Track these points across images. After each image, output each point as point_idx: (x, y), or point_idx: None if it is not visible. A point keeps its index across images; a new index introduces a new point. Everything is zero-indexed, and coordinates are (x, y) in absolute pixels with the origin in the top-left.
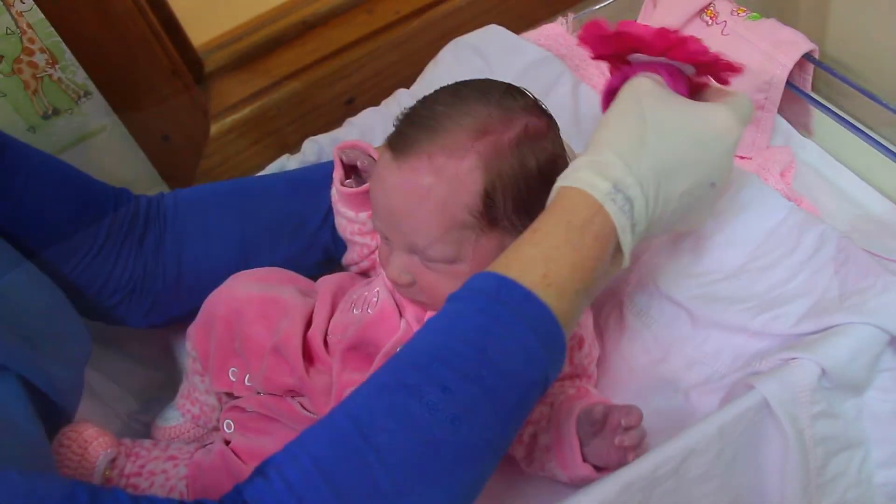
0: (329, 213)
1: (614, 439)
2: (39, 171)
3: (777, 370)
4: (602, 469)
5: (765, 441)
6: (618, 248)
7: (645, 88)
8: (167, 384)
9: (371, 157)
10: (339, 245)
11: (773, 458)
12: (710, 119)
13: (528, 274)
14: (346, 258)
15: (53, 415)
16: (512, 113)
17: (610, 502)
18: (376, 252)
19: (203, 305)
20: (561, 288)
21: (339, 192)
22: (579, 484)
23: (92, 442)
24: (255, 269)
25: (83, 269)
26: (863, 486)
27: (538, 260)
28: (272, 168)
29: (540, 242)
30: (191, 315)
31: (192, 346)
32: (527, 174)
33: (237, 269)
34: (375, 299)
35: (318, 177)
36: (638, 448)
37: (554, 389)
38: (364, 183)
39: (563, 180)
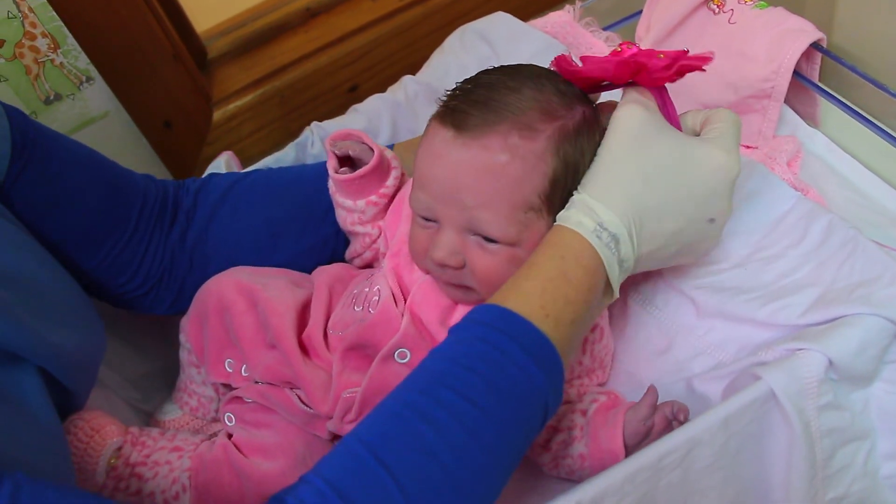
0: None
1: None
2: (74, 156)
3: (783, 361)
4: None
5: (771, 432)
6: (608, 282)
7: (636, 122)
8: (165, 372)
9: (364, 144)
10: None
11: (778, 449)
12: (705, 161)
13: (526, 305)
14: (350, 251)
15: (66, 404)
16: (570, 99)
17: (614, 492)
18: (378, 241)
19: (195, 297)
20: (557, 318)
21: (335, 181)
22: None
23: (100, 430)
24: (248, 267)
25: (115, 257)
26: (869, 479)
27: (535, 292)
28: (275, 157)
29: (536, 276)
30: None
31: (185, 338)
32: (583, 163)
33: (263, 256)
34: (377, 298)
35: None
36: None
37: (579, 391)
38: (356, 171)
39: (557, 219)
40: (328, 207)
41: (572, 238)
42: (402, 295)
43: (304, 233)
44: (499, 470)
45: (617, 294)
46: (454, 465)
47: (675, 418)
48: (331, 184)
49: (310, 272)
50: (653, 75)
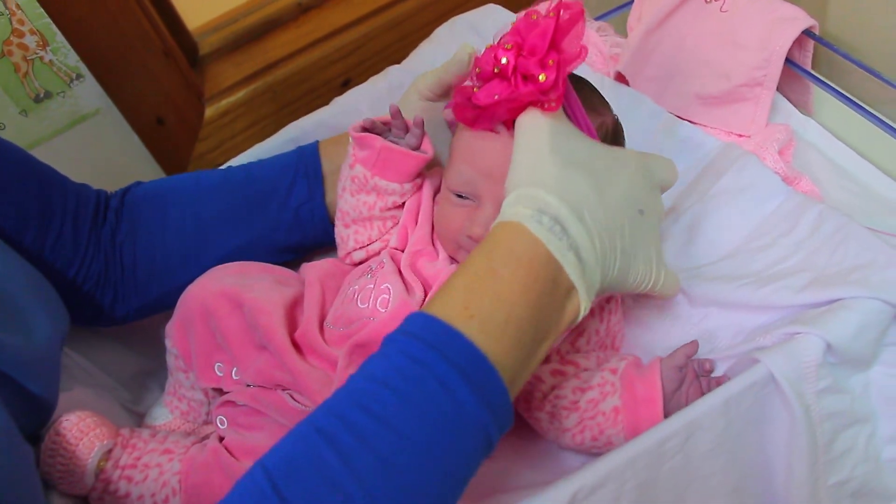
0: (288, 198)
1: (691, 392)
2: (8, 158)
3: (782, 345)
4: None
5: (771, 417)
6: (568, 285)
7: (545, 123)
8: (156, 372)
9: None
10: (299, 233)
11: (779, 434)
12: (613, 152)
13: (449, 307)
14: (356, 242)
15: (27, 401)
16: (606, 102)
17: (616, 477)
18: (392, 231)
19: (178, 303)
20: (483, 318)
21: (394, 162)
22: None
23: (89, 432)
24: (230, 264)
25: (50, 249)
26: (871, 462)
27: (459, 291)
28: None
29: (462, 274)
30: (155, 305)
31: (172, 343)
32: None
33: (191, 258)
34: (387, 296)
35: (278, 165)
36: None
37: (598, 361)
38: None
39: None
40: (257, 206)
41: (505, 230)
42: (424, 289)
43: (236, 232)
44: (419, 498)
45: (587, 304)
46: (357, 493)
47: (702, 372)
48: (361, 171)
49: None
50: (548, 104)
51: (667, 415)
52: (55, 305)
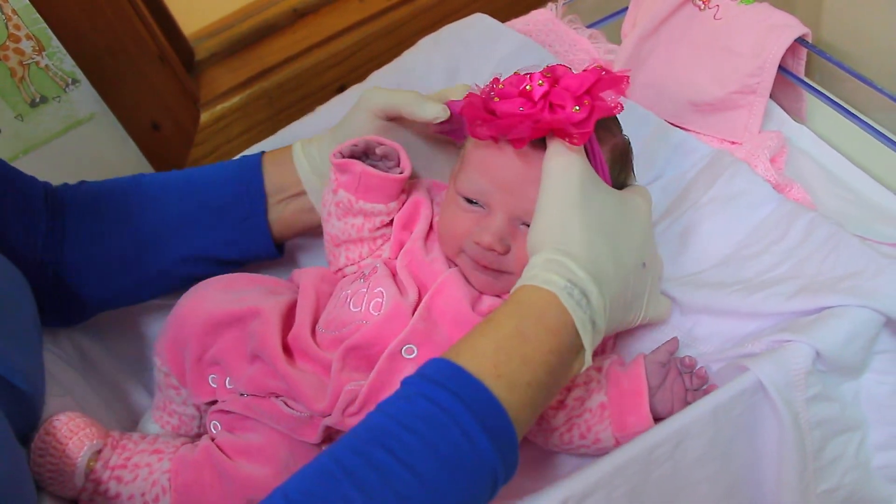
0: (230, 213)
1: (675, 388)
2: None
3: (771, 352)
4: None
5: (761, 424)
6: (577, 346)
7: (576, 177)
8: (147, 385)
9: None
10: (237, 249)
11: (769, 441)
12: (633, 208)
13: (478, 363)
14: (344, 260)
15: (16, 400)
16: (616, 124)
17: (605, 485)
18: (384, 247)
19: (169, 321)
20: (511, 380)
21: (381, 182)
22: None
23: (78, 432)
24: (219, 277)
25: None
26: (861, 470)
27: (489, 350)
28: None
29: (492, 333)
30: (88, 308)
31: (162, 362)
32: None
33: (121, 268)
34: (380, 300)
35: (221, 175)
36: (701, 395)
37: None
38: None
39: (521, 280)
40: (211, 215)
41: (536, 295)
42: (419, 291)
43: (189, 240)
44: None
45: (590, 360)
46: None
47: (684, 368)
48: (344, 195)
49: (183, 283)
50: (572, 138)
51: (652, 409)
52: (30, 299)
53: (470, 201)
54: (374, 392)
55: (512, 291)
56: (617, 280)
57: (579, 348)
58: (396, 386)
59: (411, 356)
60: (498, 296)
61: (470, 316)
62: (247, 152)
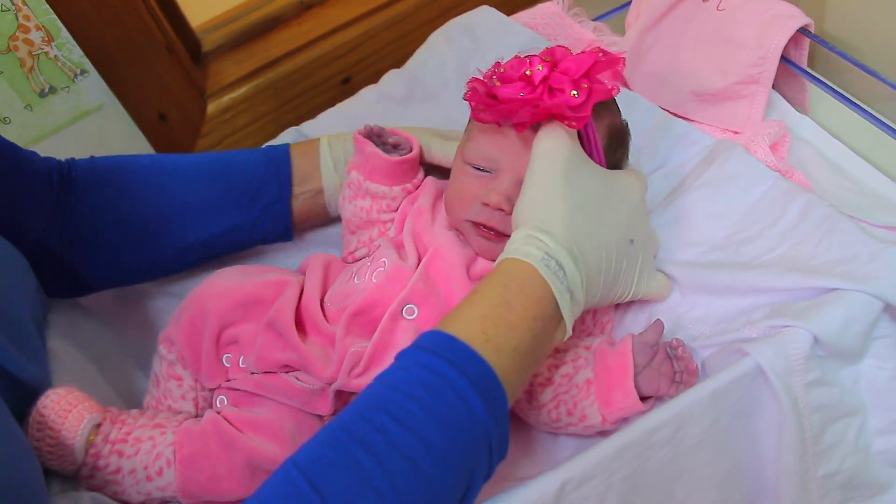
0: (256, 198)
1: (663, 368)
2: None
3: (769, 338)
4: (646, 400)
5: (760, 409)
6: (559, 316)
7: (562, 156)
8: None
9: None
10: (260, 233)
11: (768, 426)
12: (623, 186)
13: (468, 331)
14: (356, 243)
15: (16, 386)
16: (615, 104)
17: (603, 469)
18: (390, 229)
19: (185, 304)
20: (498, 344)
21: (383, 165)
22: (608, 428)
23: (77, 405)
24: (228, 268)
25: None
26: (861, 454)
27: (477, 318)
28: None
29: (479, 303)
30: (97, 283)
31: (169, 348)
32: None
33: (136, 246)
34: (382, 269)
35: (250, 161)
36: (687, 376)
37: (583, 342)
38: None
39: (504, 254)
40: (239, 198)
41: (517, 267)
42: (418, 254)
43: (216, 220)
44: (436, 500)
45: (570, 330)
46: (388, 491)
47: (672, 351)
48: (357, 177)
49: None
50: (570, 122)
51: (638, 388)
52: (30, 281)
53: (477, 169)
54: (378, 352)
55: (496, 264)
56: (595, 254)
57: (560, 318)
58: (399, 346)
59: (412, 317)
60: (493, 259)
61: (464, 277)
62: (273, 142)
